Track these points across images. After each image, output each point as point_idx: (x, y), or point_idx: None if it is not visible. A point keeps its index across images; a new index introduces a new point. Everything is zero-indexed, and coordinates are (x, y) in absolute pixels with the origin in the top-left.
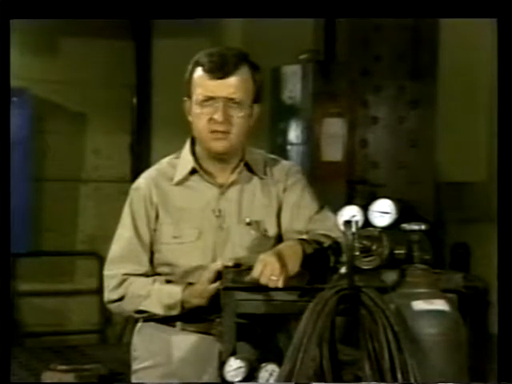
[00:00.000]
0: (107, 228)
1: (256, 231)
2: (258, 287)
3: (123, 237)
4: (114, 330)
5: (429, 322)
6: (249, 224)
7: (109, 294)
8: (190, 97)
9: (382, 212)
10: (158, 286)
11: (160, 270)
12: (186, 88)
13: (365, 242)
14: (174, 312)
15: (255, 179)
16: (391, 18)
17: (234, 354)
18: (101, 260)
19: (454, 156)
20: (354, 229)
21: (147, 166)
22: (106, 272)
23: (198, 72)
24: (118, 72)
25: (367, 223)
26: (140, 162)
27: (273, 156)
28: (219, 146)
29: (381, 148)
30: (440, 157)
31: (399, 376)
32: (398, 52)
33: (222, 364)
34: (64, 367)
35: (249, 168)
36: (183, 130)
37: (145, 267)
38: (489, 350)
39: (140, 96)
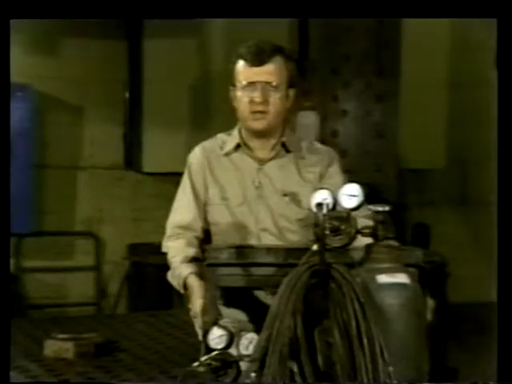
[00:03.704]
0: (102, 210)
1: (291, 201)
2: (237, 263)
3: (182, 192)
4: (108, 302)
5: (391, 293)
6: (285, 195)
7: (163, 244)
8: (234, 85)
9: (350, 195)
10: (179, 263)
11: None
12: (231, 78)
13: (334, 222)
14: (182, 291)
15: (292, 157)
16: (392, 18)
17: (216, 323)
18: (96, 239)
19: (416, 145)
20: (324, 210)
21: (139, 153)
22: (168, 223)
23: (240, 62)
24: (112, 69)
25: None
26: (132, 150)
27: (313, 141)
28: (259, 124)
29: (349, 138)
30: (403, 146)
31: (365, 341)
32: (365, 52)
33: (205, 332)
34: (63, 336)
35: (286, 148)
36: (171, 122)
37: (195, 216)
38: (448, 317)
39: (132, 91)
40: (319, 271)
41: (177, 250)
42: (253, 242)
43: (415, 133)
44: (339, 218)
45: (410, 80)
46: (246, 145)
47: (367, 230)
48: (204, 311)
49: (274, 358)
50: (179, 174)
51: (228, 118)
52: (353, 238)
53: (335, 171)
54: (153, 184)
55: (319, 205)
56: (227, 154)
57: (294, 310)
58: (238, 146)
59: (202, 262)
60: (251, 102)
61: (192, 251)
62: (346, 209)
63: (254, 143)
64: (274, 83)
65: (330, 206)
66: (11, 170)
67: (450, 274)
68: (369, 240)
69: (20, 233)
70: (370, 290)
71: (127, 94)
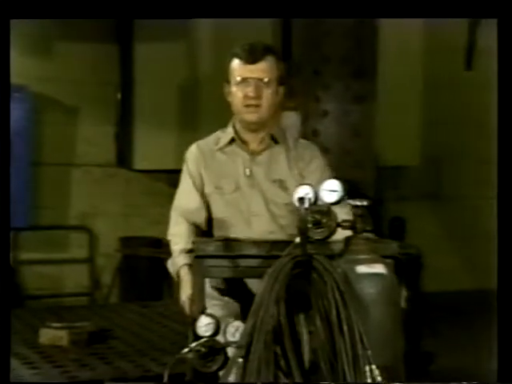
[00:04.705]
0: (95, 205)
1: (279, 188)
2: (223, 255)
3: (183, 184)
4: (101, 292)
5: (370, 282)
6: (274, 182)
7: (168, 233)
8: (228, 82)
9: (331, 190)
10: (178, 252)
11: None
12: (226, 75)
13: (316, 215)
14: (175, 279)
15: (280, 149)
16: (398, 18)
17: (203, 312)
18: (90, 233)
19: (392, 144)
20: (306, 204)
21: (130, 152)
22: (171, 213)
23: (235, 61)
24: (105, 71)
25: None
26: (124, 148)
27: (300, 138)
28: (252, 117)
29: (330, 137)
30: (380, 144)
31: (345, 328)
32: (344, 55)
33: (193, 321)
34: (59, 324)
35: (275, 139)
36: (161, 121)
37: (197, 202)
38: (421, 305)
39: (124, 92)
40: (301, 262)
41: (179, 239)
42: (245, 226)
43: (392, 132)
44: (320, 211)
45: (387, 82)
46: (239, 138)
47: (347, 224)
48: (191, 301)
49: (258, 345)
50: (169, 172)
51: (215, 118)
52: (333, 231)
53: (319, 164)
54: (143, 181)
55: (301, 199)
56: (222, 148)
57: (278, 299)
58: (232, 140)
59: None
60: (245, 96)
61: (190, 244)
62: (326, 203)
63: (247, 136)
64: (266, 79)
65: (312, 200)
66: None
67: (425, 265)
68: (348, 233)
69: (17, 227)
70: (349, 280)
71: (119, 95)
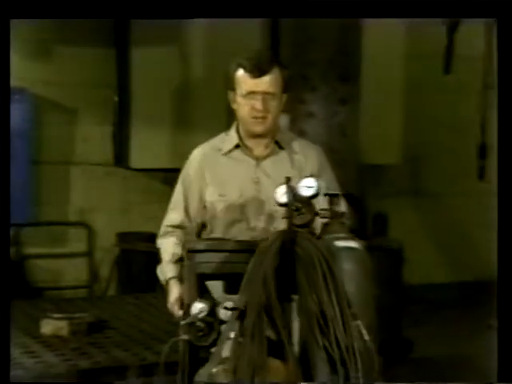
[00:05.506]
0: (93, 202)
1: None
2: (214, 249)
3: (174, 195)
4: (99, 285)
5: (346, 254)
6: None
7: (157, 242)
8: (233, 90)
9: (308, 186)
10: (167, 261)
11: (207, 222)
12: (230, 83)
13: (297, 204)
14: (164, 286)
15: (285, 153)
16: (397, 18)
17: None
18: (89, 228)
19: (375, 143)
20: (291, 193)
21: (127, 151)
22: (163, 222)
23: (240, 72)
24: (103, 74)
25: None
26: (121, 148)
27: (302, 139)
28: (259, 128)
29: (316, 138)
30: (363, 144)
31: (332, 292)
32: (329, 59)
33: (188, 307)
34: (59, 315)
35: (279, 145)
36: (156, 122)
37: (184, 217)
38: (402, 296)
39: (121, 94)
40: (287, 241)
41: (167, 247)
42: (247, 232)
43: (374, 132)
44: (301, 201)
45: (370, 85)
46: (244, 144)
47: (324, 212)
48: (179, 302)
49: (251, 311)
50: (164, 170)
51: (208, 118)
52: (312, 219)
53: (326, 167)
54: (140, 179)
55: (288, 187)
56: (226, 154)
57: (265, 277)
58: (236, 146)
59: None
60: (252, 109)
61: (180, 250)
62: (304, 197)
63: (251, 142)
64: (272, 92)
65: (293, 193)
66: (10, 166)
67: (406, 258)
68: (326, 220)
69: (19, 223)
70: (333, 251)
71: (116, 97)
